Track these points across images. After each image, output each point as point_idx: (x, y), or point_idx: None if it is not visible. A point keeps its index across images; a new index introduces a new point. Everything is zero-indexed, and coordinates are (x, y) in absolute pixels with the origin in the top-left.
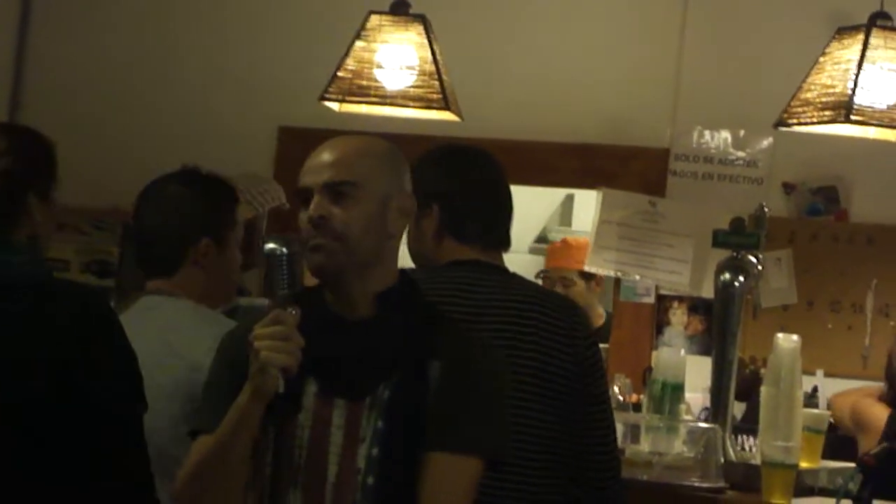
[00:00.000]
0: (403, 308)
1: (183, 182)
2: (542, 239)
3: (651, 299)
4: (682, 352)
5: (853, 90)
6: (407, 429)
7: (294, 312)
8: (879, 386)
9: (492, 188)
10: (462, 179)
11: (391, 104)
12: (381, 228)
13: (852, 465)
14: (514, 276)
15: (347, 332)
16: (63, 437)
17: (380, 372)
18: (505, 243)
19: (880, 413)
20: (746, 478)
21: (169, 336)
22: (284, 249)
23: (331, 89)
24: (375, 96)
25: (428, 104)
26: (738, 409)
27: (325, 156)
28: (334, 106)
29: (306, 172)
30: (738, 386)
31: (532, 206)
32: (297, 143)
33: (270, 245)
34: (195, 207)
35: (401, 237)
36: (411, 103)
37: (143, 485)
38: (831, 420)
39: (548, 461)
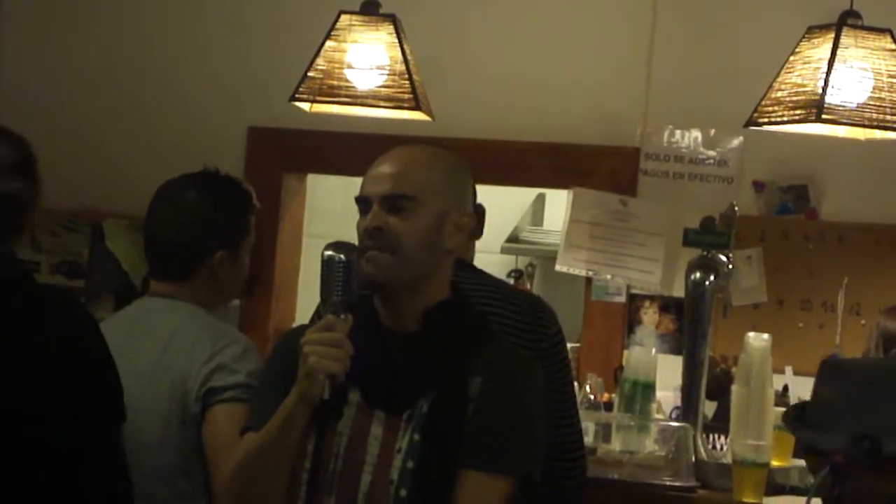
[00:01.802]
0: (450, 324)
1: (201, 189)
2: (513, 238)
3: (622, 298)
4: (654, 351)
5: (824, 89)
6: (443, 444)
7: (346, 319)
8: None
9: None
10: None
11: (362, 104)
12: (436, 243)
13: None
14: (482, 272)
15: (393, 345)
16: (45, 438)
17: (420, 387)
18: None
19: None
20: (718, 476)
21: (167, 343)
22: (342, 256)
23: (301, 89)
24: (346, 96)
25: (399, 104)
26: (709, 407)
27: (387, 166)
28: (305, 106)
29: (367, 181)
30: (709, 385)
31: (503, 205)
32: (268, 143)
33: (329, 252)
34: (213, 218)
35: (456, 253)
36: (382, 103)
37: (118, 488)
38: None
39: None
